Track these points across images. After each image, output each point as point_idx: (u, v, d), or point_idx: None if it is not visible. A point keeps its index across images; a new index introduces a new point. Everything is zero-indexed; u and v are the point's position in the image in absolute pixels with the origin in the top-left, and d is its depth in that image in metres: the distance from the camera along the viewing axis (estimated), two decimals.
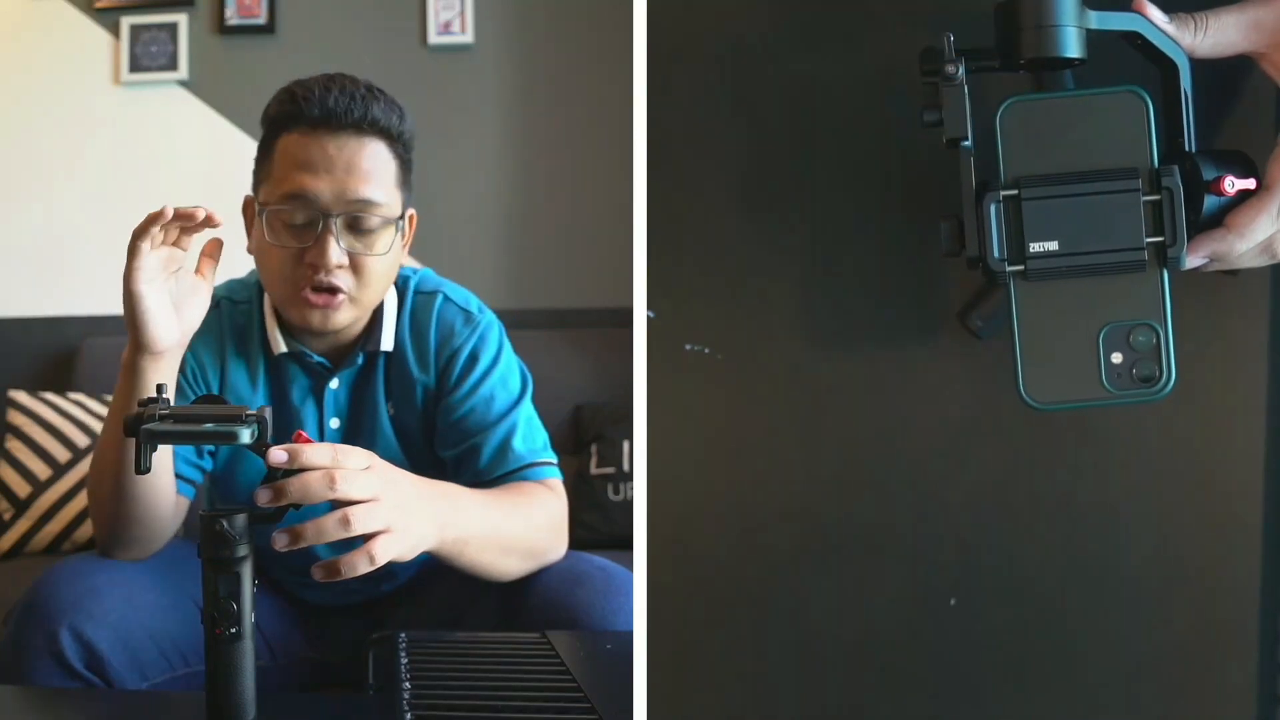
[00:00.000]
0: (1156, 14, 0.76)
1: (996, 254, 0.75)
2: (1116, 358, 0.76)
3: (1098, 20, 0.76)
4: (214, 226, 1.06)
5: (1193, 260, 0.77)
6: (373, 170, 1.20)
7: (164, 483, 1.17)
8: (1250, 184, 0.76)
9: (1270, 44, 0.77)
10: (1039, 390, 0.76)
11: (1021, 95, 0.76)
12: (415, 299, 1.32)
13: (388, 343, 1.30)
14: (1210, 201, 0.76)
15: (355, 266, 1.21)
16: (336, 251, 1.18)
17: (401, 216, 1.25)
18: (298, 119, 1.20)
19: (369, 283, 1.22)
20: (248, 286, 1.33)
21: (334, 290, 1.20)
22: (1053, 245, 0.75)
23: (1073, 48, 0.75)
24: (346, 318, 1.23)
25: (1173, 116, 0.78)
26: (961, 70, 0.74)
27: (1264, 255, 0.78)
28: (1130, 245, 0.74)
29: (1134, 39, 0.77)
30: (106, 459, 1.15)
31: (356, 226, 1.20)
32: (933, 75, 0.74)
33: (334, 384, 1.30)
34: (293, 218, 1.20)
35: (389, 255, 1.23)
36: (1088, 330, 0.76)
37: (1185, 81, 0.77)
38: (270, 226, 1.20)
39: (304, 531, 0.94)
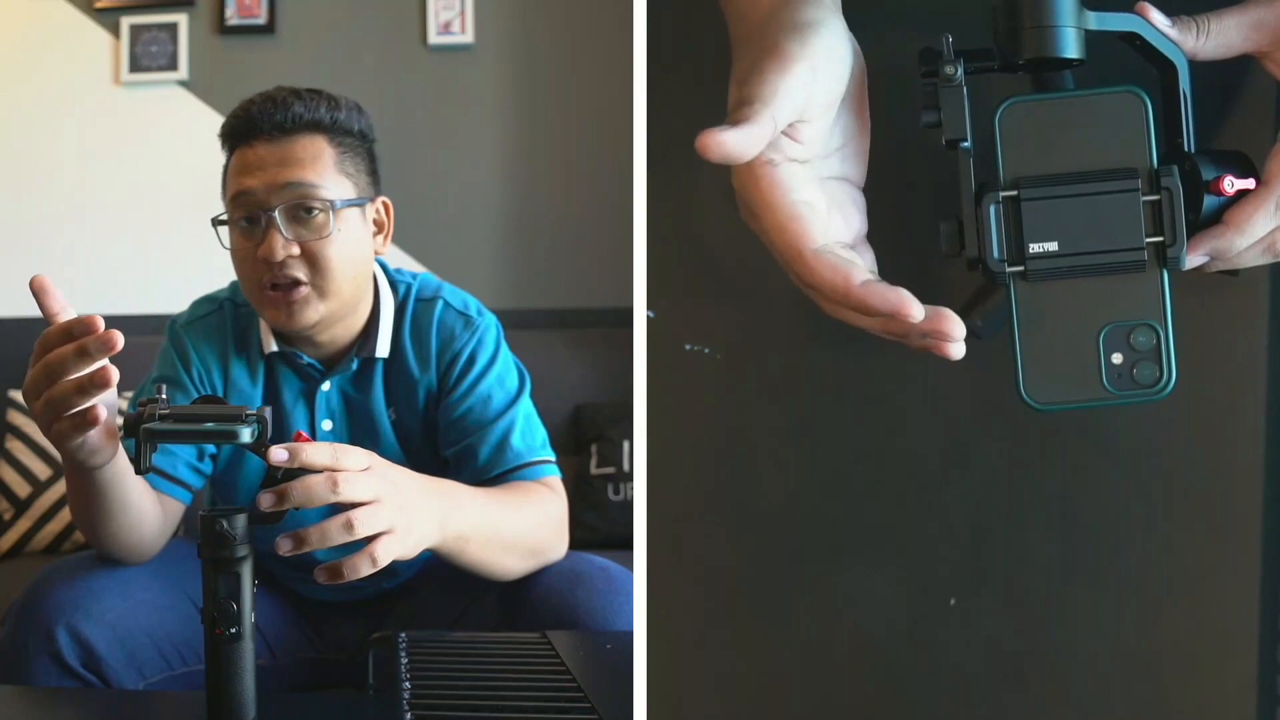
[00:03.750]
0: (1158, 17, 0.76)
1: (996, 254, 0.75)
2: (1117, 358, 0.75)
3: (1097, 21, 0.75)
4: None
5: (1193, 259, 0.77)
6: (303, 159, 1.24)
7: (141, 509, 1.17)
8: (1250, 184, 0.76)
9: (1273, 43, 0.77)
10: (1039, 391, 0.76)
11: (1021, 95, 0.76)
12: (416, 306, 1.33)
13: (383, 349, 1.30)
14: (1210, 201, 0.76)
15: (308, 255, 1.23)
16: (281, 242, 1.21)
17: (360, 205, 1.27)
18: (232, 138, 1.27)
19: (326, 270, 1.23)
20: None
21: (293, 285, 1.22)
22: (1052, 246, 0.74)
23: (1072, 48, 0.75)
24: (314, 313, 1.24)
25: (1172, 116, 0.78)
26: (960, 71, 0.74)
27: (1265, 254, 0.78)
28: (1130, 245, 0.74)
29: (1133, 39, 0.77)
30: (72, 505, 1.15)
31: (298, 215, 1.23)
32: (931, 76, 0.74)
33: (325, 386, 1.30)
34: (240, 220, 1.24)
35: (340, 240, 1.24)
36: (1088, 331, 0.75)
37: (1184, 82, 0.77)
38: (230, 237, 1.26)
39: (308, 536, 0.94)
